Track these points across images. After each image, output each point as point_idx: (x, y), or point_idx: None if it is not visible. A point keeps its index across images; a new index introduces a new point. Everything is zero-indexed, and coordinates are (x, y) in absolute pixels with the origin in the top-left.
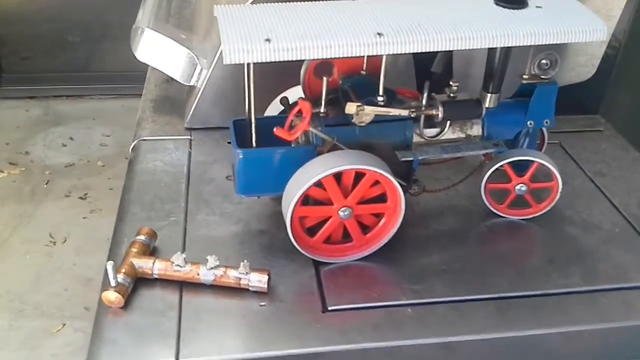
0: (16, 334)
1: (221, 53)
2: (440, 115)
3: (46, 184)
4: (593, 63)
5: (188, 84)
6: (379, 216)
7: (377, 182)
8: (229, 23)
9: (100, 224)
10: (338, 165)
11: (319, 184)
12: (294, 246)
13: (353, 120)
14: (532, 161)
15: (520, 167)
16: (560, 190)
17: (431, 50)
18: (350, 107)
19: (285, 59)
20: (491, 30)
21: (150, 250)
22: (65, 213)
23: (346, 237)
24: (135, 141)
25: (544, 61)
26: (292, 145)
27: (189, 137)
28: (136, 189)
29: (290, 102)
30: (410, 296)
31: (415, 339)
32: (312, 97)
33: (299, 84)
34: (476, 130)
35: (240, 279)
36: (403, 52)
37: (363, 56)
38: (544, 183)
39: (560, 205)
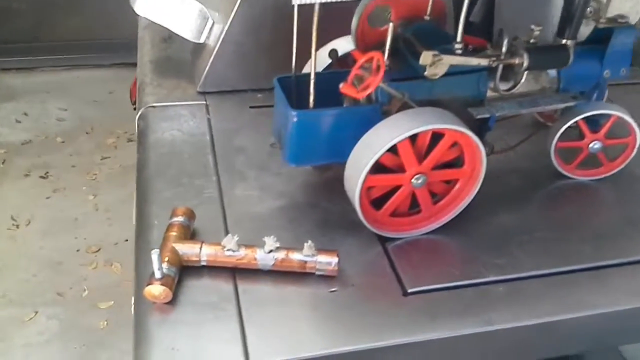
0: None
1: (240, 4)
2: (525, 64)
3: (2, 163)
4: (637, 9)
5: (197, 42)
6: (450, 182)
7: (453, 144)
8: None
9: (64, 203)
10: (416, 126)
11: (391, 149)
12: (355, 221)
13: (425, 73)
14: (610, 115)
15: (593, 123)
16: (637, 146)
17: None
18: (426, 57)
19: None
20: None
21: (191, 234)
22: (26, 194)
23: (412, 207)
24: (142, 109)
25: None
26: (346, 104)
27: (204, 102)
28: (156, 163)
29: (340, 55)
30: (496, 272)
31: (515, 321)
32: (365, 48)
33: (342, 35)
34: (550, 81)
35: (305, 262)
36: None
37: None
38: (619, 139)
39: (629, 163)
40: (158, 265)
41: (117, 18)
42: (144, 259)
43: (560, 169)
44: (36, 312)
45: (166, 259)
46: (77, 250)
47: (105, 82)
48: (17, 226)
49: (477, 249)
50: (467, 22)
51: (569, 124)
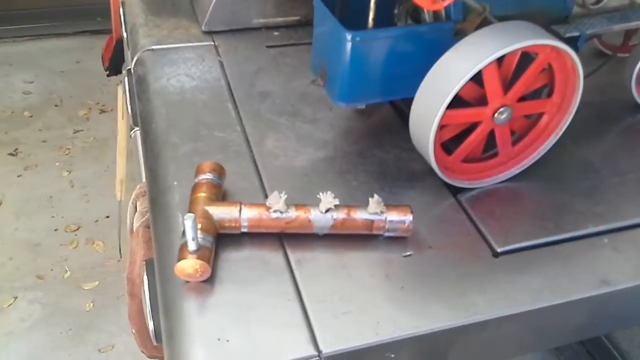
0: None
1: None
2: None
3: None
4: None
5: None
6: (530, 118)
7: (544, 69)
8: None
9: (38, 181)
10: (508, 44)
11: (474, 76)
12: (416, 169)
13: None
14: None
15: None
16: None
17: None
18: None
19: None
20: None
21: (222, 195)
22: None
23: (485, 151)
24: (139, 53)
25: None
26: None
27: (212, 42)
28: (164, 114)
29: None
30: (596, 221)
31: (638, 279)
32: None
33: None
34: None
35: (372, 221)
36: None
37: None
38: None
39: None
40: (193, 234)
41: None
42: (165, 229)
43: (639, 99)
44: (15, 298)
45: (199, 226)
46: (55, 230)
47: (71, 51)
48: None
49: (567, 195)
50: None
51: None
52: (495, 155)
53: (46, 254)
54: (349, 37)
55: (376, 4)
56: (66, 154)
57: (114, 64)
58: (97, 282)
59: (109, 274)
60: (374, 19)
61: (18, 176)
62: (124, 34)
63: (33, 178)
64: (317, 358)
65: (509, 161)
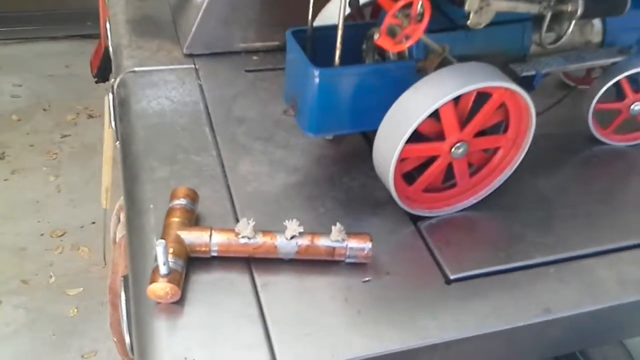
0: None
1: None
2: (579, 11)
3: None
4: None
5: None
6: (487, 152)
7: (499, 106)
8: None
9: (24, 185)
10: (464, 85)
11: (431, 114)
12: (381, 197)
13: (469, 22)
14: None
15: (636, 82)
16: None
17: None
18: (472, 2)
19: None
20: None
21: (195, 219)
22: None
23: (445, 181)
24: (122, 74)
25: None
26: (366, 61)
27: (193, 65)
28: (144, 137)
29: (361, 3)
30: (544, 252)
31: (576, 308)
32: None
33: None
34: (596, 34)
35: (334, 248)
36: None
37: None
38: None
39: None
40: (164, 259)
41: None
42: (140, 251)
43: (596, 133)
44: (0, 302)
45: (171, 250)
46: (41, 235)
47: (60, 55)
48: None
49: (520, 226)
50: None
51: (610, 82)
52: (454, 185)
53: (31, 259)
54: (316, 73)
55: (342, 43)
56: (53, 159)
57: (102, 71)
58: (82, 288)
59: (94, 280)
60: (340, 57)
61: (5, 180)
62: (110, 49)
63: (20, 182)
64: None
65: (467, 192)
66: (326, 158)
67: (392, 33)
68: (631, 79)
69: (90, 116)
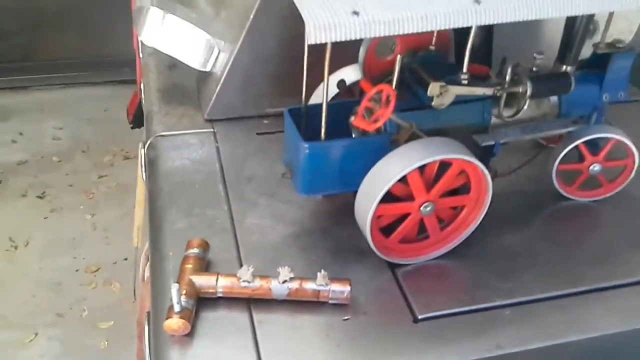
0: None
1: (247, 34)
2: (529, 92)
3: None
4: (631, 29)
5: (204, 70)
6: (456, 209)
7: (461, 172)
8: None
9: (62, 223)
10: (426, 157)
11: (401, 179)
12: (364, 247)
13: (432, 103)
14: (609, 138)
15: (593, 146)
16: (636, 168)
17: (531, 17)
18: (434, 88)
19: (377, 35)
20: None
21: (205, 265)
22: (23, 214)
23: (420, 233)
24: (152, 138)
25: None
26: (355, 135)
27: (212, 129)
28: (168, 193)
29: (347, 84)
30: (504, 295)
31: (523, 345)
32: (373, 79)
33: (348, 64)
34: (552, 107)
35: (319, 291)
36: (503, 20)
37: (432, 31)
38: (618, 161)
39: (627, 184)
40: (177, 299)
41: (109, 35)
42: (161, 291)
43: (561, 190)
44: (36, 334)
45: (184, 291)
46: (76, 270)
47: (99, 99)
48: (16, 247)
49: (485, 273)
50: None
51: (569, 148)
52: (428, 237)
53: (66, 293)
54: (305, 146)
55: (327, 120)
56: (90, 198)
57: (138, 119)
58: (112, 322)
59: (124, 315)
60: (325, 132)
61: (44, 218)
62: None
63: (58, 220)
64: None
65: (439, 243)
66: (321, 212)
67: (369, 113)
68: (589, 143)
69: (126, 158)
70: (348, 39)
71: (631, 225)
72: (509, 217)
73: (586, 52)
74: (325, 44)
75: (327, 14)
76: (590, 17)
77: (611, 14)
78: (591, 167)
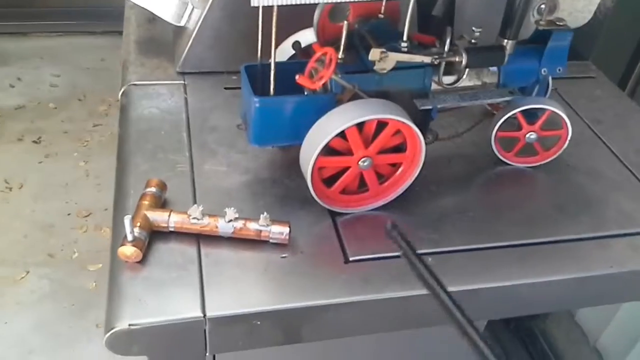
0: None
1: None
2: (464, 62)
3: None
4: (590, 8)
5: (178, 24)
6: (394, 165)
7: (397, 132)
8: None
9: (56, 168)
10: (362, 115)
11: (340, 134)
12: (310, 196)
13: (374, 67)
14: (545, 109)
15: (530, 115)
16: (569, 138)
17: None
18: (374, 53)
19: (315, 1)
20: None
21: (162, 203)
22: (19, 158)
23: (361, 186)
24: (125, 86)
25: (542, 6)
26: (306, 93)
27: (183, 81)
28: (135, 138)
29: (302, 46)
30: (429, 245)
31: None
32: (326, 42)
33: (307, 27)
34: (492, 77)
35: (260, 231)
36: None
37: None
38: (553, 131)
39: (563, 153)
40: (130, 229)
41: None
42: (120, 224)
43: (499, 156)
44: (27, 272)
45: (138, 224)
46: (68, 214)
47: (97, 49)
48: (10, 189)
49: (416, 226)
50: (424, 20)
51: (507, 116)
52: (367, 190)
53: (58, 235)
54: (256, 100)
55: (275, 78)
56: (84, 146)
57: None
58: (101, 265)
59: None
60: (274, 88)
61: (39, 162)
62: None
63: (52, 165)
64: (202, 319)
65: (377, 196)
66: (274, 163)
67: (316, 72)
68: (526, 113)
69: None
70: (289, 4)
71: (562, 191)
72: (448, 178)
73: (530, 30)
74: (273, 8)
75: None
76: None
77: None
78: (527, 135)
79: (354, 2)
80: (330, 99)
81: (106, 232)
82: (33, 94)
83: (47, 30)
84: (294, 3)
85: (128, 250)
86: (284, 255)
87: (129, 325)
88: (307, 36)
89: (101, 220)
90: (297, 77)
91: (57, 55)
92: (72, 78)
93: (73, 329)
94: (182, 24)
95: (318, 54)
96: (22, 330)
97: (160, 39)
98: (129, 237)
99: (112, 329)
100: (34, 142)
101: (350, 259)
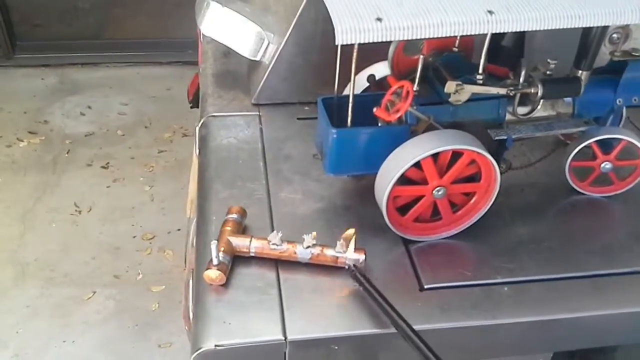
0: (48, 301)
1: (293, 29)
2: (539, 93)
3: (67, 153)
4: None
5: (254, 59)
6: (468, 194)
7: (472, 162)
8: (335, 0)
9: (123, 193)
10: (439, 146)
11: (415, 164)
12: (383, 224)
13: (449, 99)
14: (620, 139)
15: (606, 145)
16: None
17: (540, 28)
18: (450, 86)
19: (397, 39)
20: (600, 8)
21: (242, 229)
22: (88, 182)
23: (434, 214)
24: (204, 117)
25: (615, 35)
26: (380, 124)
27: (258, 112)
28: (215, 167)
29: (377, 79)
30: (505, 274)
31: (515, 318)
32: (400, 74)
33: (380, 60)
34: (566, 107)
35: (337, 257)
36: (512, 30)
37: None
38: (629, 161)
39: (639, 182)
40: (215, 253)
41: (175, 18)
42: (204, 249)
43: (574, 185)
44: (94, 292)
45: (222, 248)
46: (134, 237)
47: (163, 79)
48: (80, 212)
49: (490, 254)
50: (494, 51)
51: (581, 146)
52: (440, 219)
53: (124, 257)
54: (334, 131)
55: (353, 110)
56: (150, 171)
57: (197, 99)
58: (164, 286)
59: (175, 280)
60: (352, 120)
61: (107, 187)
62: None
63: (119, 190)
64: (283, 342)
65: (450, 224)
66: (347, 191)
67: (392, 105)
68: (601, 143)
69: (185, 135)
70: (371, 41)
71: (638, 221)
72: (522, 207)
73: (604, 60)
74: (353, 44)
75: (354, 19)
76: (604, 28)
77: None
78: (602, 165)
79: (431, 39)
80: (405, 130)
81: (169, 254)
82: (102, 122)
83: (116, 61)
84: (376, 40)
85: (213, 274)
86: None
87: (215, 345)
88: (380, 69)
89: (165, 243)
90: (374, 109)
91: (125, 85)
92: (139, 106)
93: (136, 349)
94: (257, 58)
95: (394, 87)
96: (88, 349)
97: (235, 73)
98: (215, 261)
99: (199, 349)
100: (103, 167)
101: (425, 286)
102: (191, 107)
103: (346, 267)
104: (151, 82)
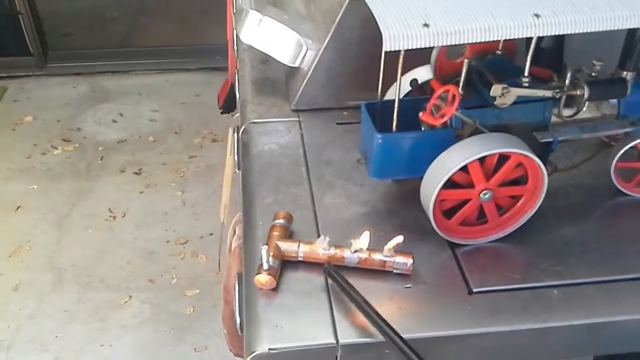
0: (85, 305)
1: (332, 35)
2: (586, 95)
3: (100, 159)
4: None
5: (293, 66)
6: (515, 197)
7: (519, 165)
8: (381, 7)
9: (156, 198)
10: (486, 150)
11: (462, 168)
12: (428, 227)
13: (495, 103)
14: None
15: None
16: None
17: (587, 30)
18: (496, 89)
19: (445, 44)
20: None
21: (289, 233)
22: (121, 188)
23: (480, 217)
24: (246, 124)
25: None
26: (424, 128)
27: (297, 118)
28: (258, 172)
29: (420, 83)
30: (553, 277)
31: (566, 321)
32: (443, 79)
33: (422, 64)
34: (611, 108)
35: (385, 261)
36: (560, 33)
37: None
38: None
39: None
40: (266, 258)
41: (203, 25)
42: (252, 253)
43: (619, 186)
44: (130, 297)
45: (271, 253)
46: (167, 242)
47: (192, 85)
48: (114, 218)
49: (537, 257)
50: (536, 53)
51: (627, 146)
52: (486, 222)
53: (158, 262)
54: (379, 136)
55: (399, 114)
56: (181, 176)
57: (227, 104)
58: (198, 290)
59: (209, 284)
60: (397, 125)
61: (140, 192)
62: (237, 95)
63: (152, 195)
64: (335, 345)
65: (497, 227)
66: (390, 195)
67: (437, 109)
68: None
69: (214, 140)
70: (418, 47)
71: None
72: (567, 209)
73: None
74: (399, 50)
75: (401, 25)
76: None
77: None
78: None
79: (478, 43)
80: (449, 134)
81: (202, 259)
82: (134, 128)
83: (146, 69)
84: (424, 46)
85: (264, 278)
86: (408, 285)
87: (269, 349)
88: (422, 73)
89: (197, 247)
90: (420, 114)
91: (155, 92)
92: (169, 113)
93: (173, 352)
94: (296, 65)
95: (440, 91)
96: (125, 352)
97: (273, 79)
98: (265, 266)
99: (252, 352)
100: (135, 173)
101: (474, 290)
102: (221, 113)
103: (394, 270)
104: (180, 89)
